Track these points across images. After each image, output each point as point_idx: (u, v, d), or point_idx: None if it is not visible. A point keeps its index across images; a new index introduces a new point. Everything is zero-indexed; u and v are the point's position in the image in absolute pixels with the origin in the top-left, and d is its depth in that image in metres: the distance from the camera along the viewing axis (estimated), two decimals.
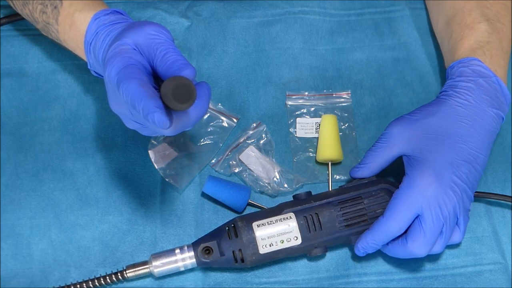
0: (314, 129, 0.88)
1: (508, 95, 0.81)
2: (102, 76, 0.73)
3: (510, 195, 0.85)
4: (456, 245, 0.81)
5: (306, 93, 0.91)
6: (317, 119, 0.89)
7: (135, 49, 0.67)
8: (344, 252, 0.82)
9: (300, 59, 0.94)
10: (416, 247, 0.74)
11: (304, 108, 0.90)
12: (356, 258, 0.82)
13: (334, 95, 0.91)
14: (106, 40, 0.71)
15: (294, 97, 0.91)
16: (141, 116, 0.61)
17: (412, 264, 0.81)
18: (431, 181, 0.74)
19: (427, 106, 0.80)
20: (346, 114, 0.90)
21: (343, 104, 0.91)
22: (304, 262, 0.81)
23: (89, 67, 0.77)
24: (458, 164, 0.75)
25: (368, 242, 0.76)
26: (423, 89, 0.93)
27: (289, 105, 0.90)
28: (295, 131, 0.89)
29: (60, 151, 0.87)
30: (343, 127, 0.89)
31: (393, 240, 0.76)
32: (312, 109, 0.90)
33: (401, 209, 0.74)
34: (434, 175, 0.74)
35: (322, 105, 0.90)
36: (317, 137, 0.88)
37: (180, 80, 0.58)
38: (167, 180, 0.84)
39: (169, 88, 0.58)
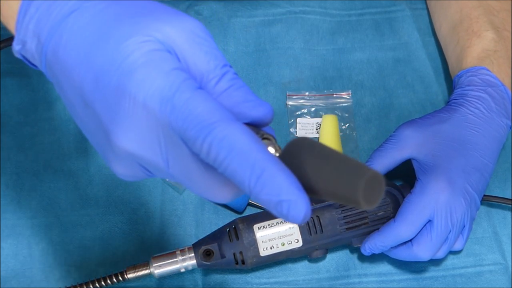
0: (315, 129, 0.88)
1: None
2: (34, 65, 0.49)
3: (510, 195, 0.85)
4: (457, 252, 0.81)
5: (307, 93, 0.91)
6: (318, 119, 0.89)
7: (170, 53, 0.43)
8: (345, 253, 0.82)
9: (300, 59, 0.94)
10: (421, 251, 0.74)
11: (304, 108, 0.90)
12: (356, 259, 0.82)
13: (334, 95, 0.91)
14: (83, 15, 0.45)
15: (294, 97, 0.91)
16: (265, 201, 0.40)
17: (412, 265, 0.81)
18: (444, 187, 0.74)
19: (439, 112, 0.80)
20: (346, 115, 0.90)
21: (344, 104, 0.90)
22: (304, 262, 0.81)
23: (14, 44, 0.48)
24: (470, 171, 0.75)
25: (376, 244, 0.76)
26: (423, 89, 0.93)
27: (290, 105, 0.90)
28: (296, 131, 0.89)
29: (61, 151, 0.87)
30: (343, 127, 0.89)
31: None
32: (313, 109, 0.90)
33: (413, 214, 0.74)
34: (447, 181, 0.74)
35: (323, 105, 0.90)
36: (318, 137, 0.88)
37: (368, 171, 0.39)
38: (167, 180, 0.84)
39: (359, 183, 0.39)
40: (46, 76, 0.48)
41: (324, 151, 0.41)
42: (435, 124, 0.78)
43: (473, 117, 0.78)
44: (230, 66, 0.45)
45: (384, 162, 0.78)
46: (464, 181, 0.75)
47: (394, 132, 0.79)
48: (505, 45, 0.84)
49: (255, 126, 0.44)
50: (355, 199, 0.39)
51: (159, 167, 0.44)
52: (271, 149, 0.43)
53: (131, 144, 0.44)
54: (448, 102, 0.82)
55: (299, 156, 0.41)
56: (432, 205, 0.73)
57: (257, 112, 0.44)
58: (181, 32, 0.44)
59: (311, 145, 0.41)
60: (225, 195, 0.45)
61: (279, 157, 0.42)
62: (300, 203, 0.39)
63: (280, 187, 0.39)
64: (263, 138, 0.43)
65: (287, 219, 0.40)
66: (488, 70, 0.81)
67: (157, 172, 0.46)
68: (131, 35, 0.43)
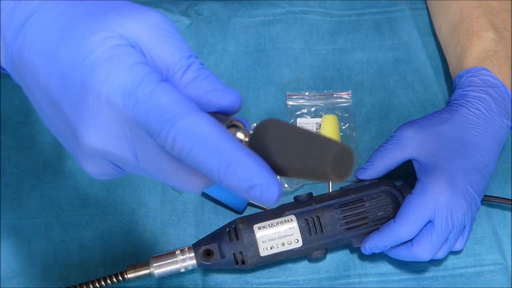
0: (315, 129, 0.88)
1: None
2: (3, 69, 0.49)
3: (510, 195, 0.85)
4: (457, 252, 0.81)
5: (307, 93, 0.91)
6: (318, 119, 0.89)
7: (134, 48, 0.43)
8: (345, 253, 0.82)
9: (300, 59, 0.94)
10: (421, 251, 0.74)
11: (304, 108, 0.90)
12: (356, 259, 0.81)
13: (334, 95, 0.91)
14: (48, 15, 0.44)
15: (294, 97, 0.91)
16: (236, 188, 0.40)
17: (412, 265, 0.81)
18: (445, 188, 0.74)
19: (439, 113, 0.80)
20: (346, 115, 0.90)
21: (344, 105, 0.90)
22: (304, 262, 0.81)
23: None
24: (470, 172, 0.75)
25: (376, 244, 0.76)
26: (423, 89, 0.93)
27: (290, 105, 0.90)
28: None
29: (61, 151, 0.87)
30: (343, 127, 0.89)
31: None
32: (313, 109, 0.90)
33: (413, 215, 0.74)
34: (448, 182, 0.74)
35: (323, 105, 0.90)
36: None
37: (336, 145, 0.40)
38: None
39: (328, 157, 0.39)
40: (12, 78, 0.48)
41: (292, 129, 0.41)
42: (436, 124, 0.78)
43: (473, 117, 0.78)
44: (196, 57, 0.45)
45: (385, 162, 0.78)
46: (465, 182, 0.75)
47: (394, 132, 0.79)
48: (505, 46, 0.84)
49: (225, 115, 0.45)
50: (325, 173, 0.39)
51: (128, 162, 0.44)
52: (240, 135, 0.43)
53: (99, 141, 0.43)
54: (448, 102, 0.82)
55: (268, 137, 0.41)
56: (433, 206, 0.73)
57: (225, 100, 0.44)
58: (145, 26, 0.43)
59: (279, 125, 0.42)
60: (197, 184, 0.45)
61: (249, 140, 0.43)
62: (272, 186, 0.40)
63: (251, 172, 0.40)
64: (232, 125, 0.44)
65: (261, 201, 0.41)
66: (488, 70, 0.81)
67: (128, 168, 0.46)
68: (94, 33, 0.43)
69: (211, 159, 0.40)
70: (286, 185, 0.84)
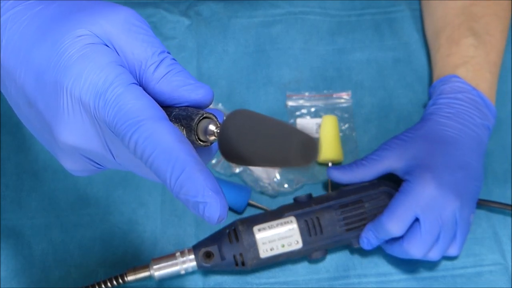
0: (315, 130, 0.88)
1: (492, 105, 0.82)
2: None
3: (510, 196, 0.85)
4: (454, 258, 0.81)
5: (307, 94, 0.91)
6: (318, 120, 0.89)
7: (107, 46, 0.44)
8: (344, 253, 0.82)
9: (300, 60, 0.94)
10: (411, 247, 0.74)
11: (304, 109, 0.90)
12: (356, 259, 0.82)
13: (334, 96, 0.91)
14: (22, 19, 0.45)
15: (294, 97, 0.91)
16: (184, 201, 0.41)
17: (412, 265, 0.81)
18: (429, 183, 0.74)
19: (414, 125, 0.81)
20: (346, 115, 0.90)
21: (344, 105, 0.91)
22: (304, 263, 0.81)
23: None
24: (453, 168, 0.76)
25: (370, 235, 0.76)
26: (423, 89, 0.93)
27: (290, 105, 0.90)
28: None
29: None
30: (343, 127, 0.89)
31: (393, 239, 0.77)
32: (313, 109, 0.90)
33: (399, 210, 0.74)
34: (432, 178, 0.74)
35: (323, 105, 0.90)
36: (318, 138, 0.88)
37: (302, 135, 0.41)
38: None
39: (292, 146, 0.40)
40: None
41: (261, 119, 0.42)
42: (412, 133, 0.79)
43: (445, 120, 0.80)
44: (168, 52, 0.46)
45: (363, 171, 0.79)
46: (450, 178, 0.75)
47: (376, 149, 0.80)
48: (485, 50, 0.84)
49: (197, 108, 0.46)
50: (288, 161, 0.40)
51: (105, 158, 0.45)
52: (212, 126, 0.44)
53: (74, 139, 0.44)
54: (423, 114, 0.83)
55: (237, 127, 0.42)
56: (419, 201, 0.74)
57: (196, 94, 0.45)
58: (116, 23, 0.44)
59: (249, 115, 0.42)
60: None
61: (220, 131, 0.43)
62: (214, 206, 0.41)
63: (197, 189, 0.41)
64: (204, 117, 0.44)
65: (203, 218, 0.41)
66: (458, 77, 0.82)
67: (106, 163, 0.47)
68: (67, 32, 0.43)
69: (165, 168, 0.41)
70: (286, 185, 0.85)
